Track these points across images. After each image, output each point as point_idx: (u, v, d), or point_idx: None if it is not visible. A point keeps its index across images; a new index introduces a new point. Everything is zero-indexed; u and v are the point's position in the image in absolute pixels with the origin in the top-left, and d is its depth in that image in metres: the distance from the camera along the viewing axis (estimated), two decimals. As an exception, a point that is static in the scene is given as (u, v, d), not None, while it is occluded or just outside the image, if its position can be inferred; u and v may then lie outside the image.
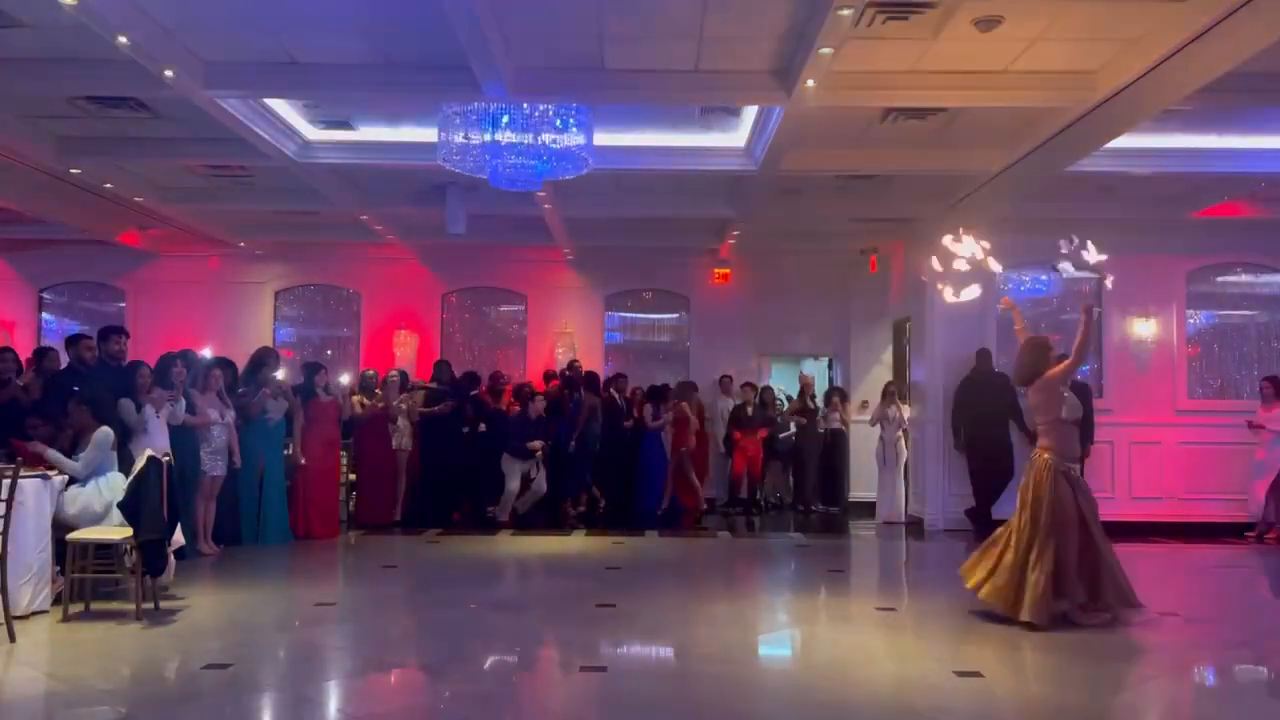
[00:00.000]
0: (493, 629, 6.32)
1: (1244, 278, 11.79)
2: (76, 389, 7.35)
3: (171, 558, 6.70)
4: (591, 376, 12.23)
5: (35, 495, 6.12)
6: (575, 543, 9.89)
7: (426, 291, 14.15)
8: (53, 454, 6.57)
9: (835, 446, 12.81)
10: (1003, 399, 10.77)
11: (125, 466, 6.79)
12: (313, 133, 9.17)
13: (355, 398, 10.70)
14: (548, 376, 12.75)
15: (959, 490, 10.89)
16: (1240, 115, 8.31)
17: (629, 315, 14.49)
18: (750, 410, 12.57)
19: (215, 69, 7.28)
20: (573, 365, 12.73)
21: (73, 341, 8.45)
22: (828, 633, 6.17)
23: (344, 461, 10.77)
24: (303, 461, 9.72)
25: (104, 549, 6.45)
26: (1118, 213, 10.94)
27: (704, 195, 11.04)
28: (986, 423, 10.70)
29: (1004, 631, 6.14)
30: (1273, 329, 11.69)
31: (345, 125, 9.00)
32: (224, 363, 9.46)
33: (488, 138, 7.73)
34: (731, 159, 9.38)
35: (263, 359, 9.66)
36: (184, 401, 8.30)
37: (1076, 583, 6.22)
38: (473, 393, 11.58)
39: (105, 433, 6.74)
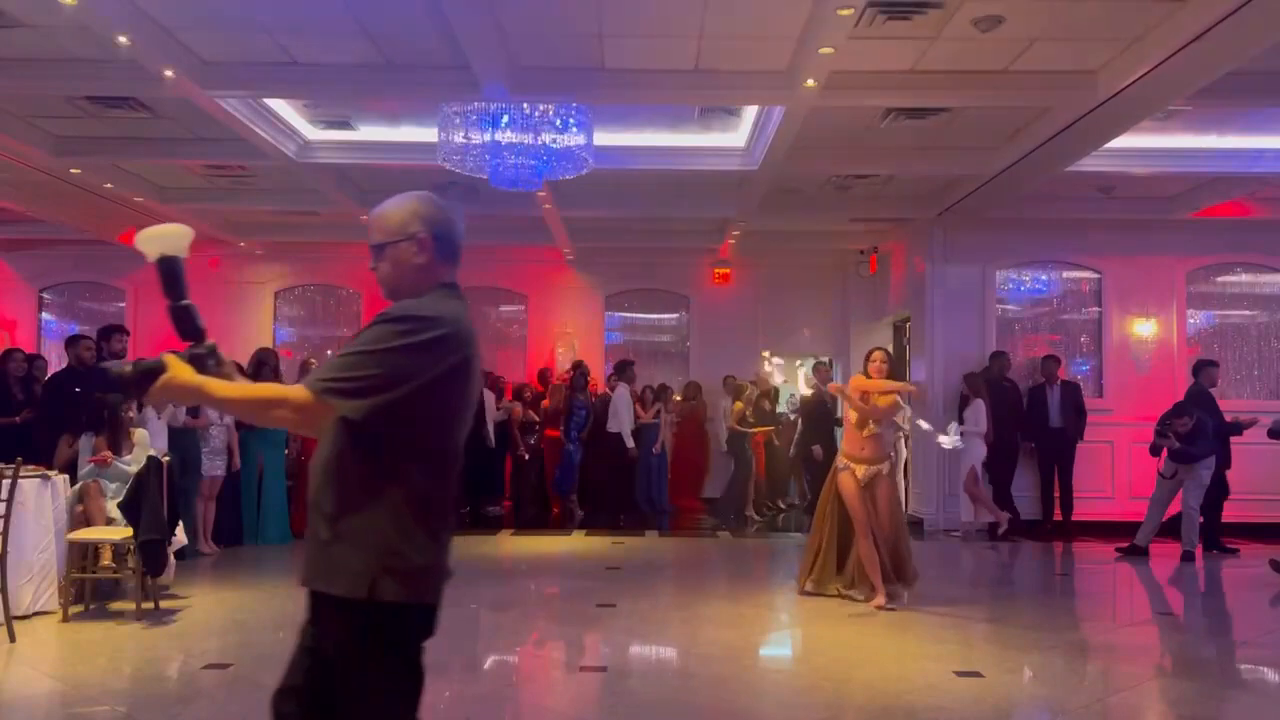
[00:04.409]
0: (493, 629, 6.32)
1: (1244, 278, 11.79)
2: (79, 390, 7.40)
3: (171, 558, 6.71)
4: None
5: (35, 495, 6.12)
6: (575, 543, 9.89)
7: (426, 291, 14.11)
8: (117, 461, 6.77)
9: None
10: (1005, 402, 10.75)
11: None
12: (313, 133, 9.17)
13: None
14: (544, 376, 12.77)
15: (959, 490, 10.89)
16: (1240, 115, 8.31)
17: (629, 315, 14.49)
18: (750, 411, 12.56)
19: (215, 69, 7.27)
20: (578, 366, 12.69)
21: (72, 342, 8.49)
22: (828, 632, 6.17)
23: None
24: (303, 458, 9.74)
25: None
26: (1118, 213, 10.95)
27: (704, 195, 11.03)
28: (992, 424, 10.70)
29: (1004, 631, 6.14)
30: (1273, 329, 11.69)
31: (345, 125, 8.99)
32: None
33: (488, 138, 7.74)
34: (731, 159, 9.37)
35: (262, 359, 9.67)
36: (185, 403, 8.33)
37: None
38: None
39: (144, 433, 7.00)
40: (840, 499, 6.89)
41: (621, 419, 11.62)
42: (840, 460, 6.98)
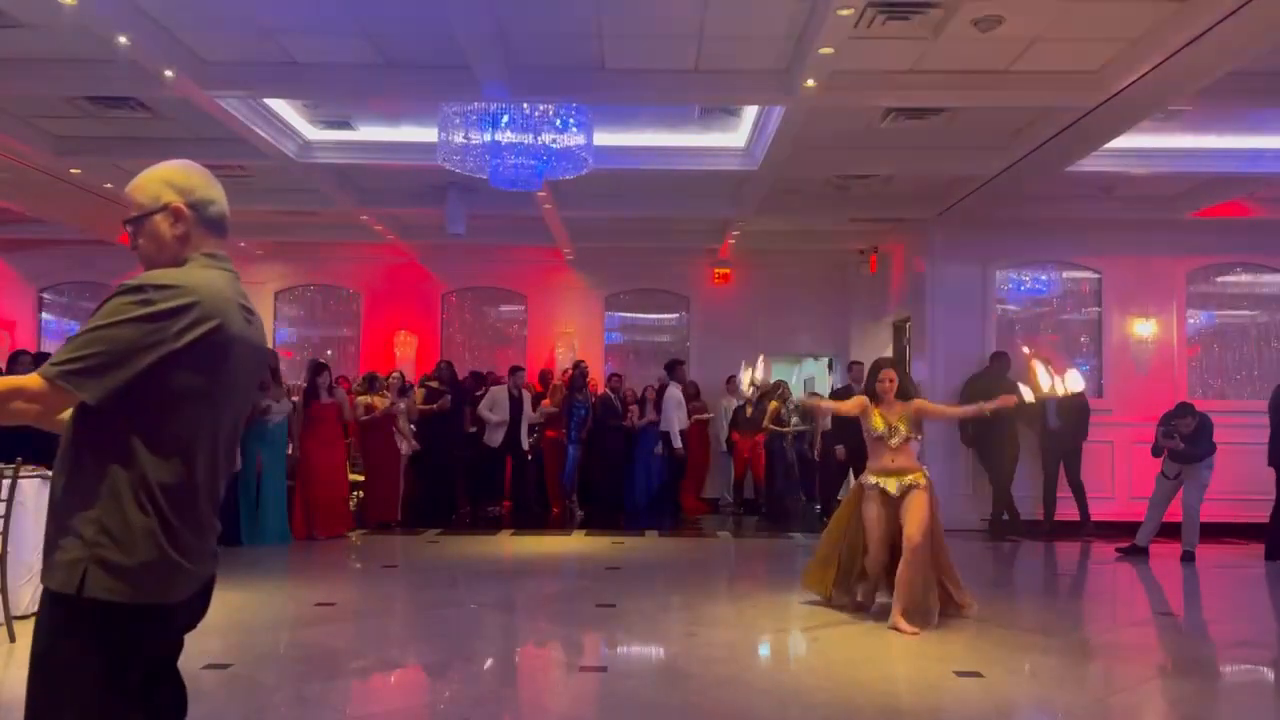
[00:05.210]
0: (493, 629, 6.32)
1: (1244, 278, 11.79)
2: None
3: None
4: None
5: (35, 495, 6.12)
6: (575, 543, 9.89)
7: (426, 291, 14.15)
8: None
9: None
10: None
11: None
12: (313, 133, 9.17)
13: (363, 398, 10.67)
14: (544, 376, 12.76)
15: (960, 490, 10.89)
16: (1240, 115, 8.31)
17: (629, 315, 14.49)
18: (750, 411, 12.56)
19: (215, 69, 7.28)
20: (578, 366, 12.69)
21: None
22: (828, 633, 6.16)
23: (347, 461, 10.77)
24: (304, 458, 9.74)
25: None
26: (1118, 213, 10.95)
27: (704, 195, 11.04)
28: (988, 425, 10.68)
29: (1004, 631, 6.14)
30: (1273, 329, 11.69)
31: (345, 125, 9.00)
32: None
33: (488, 138, 7.74)
34: (731, 159, 9.38)
35: (262, 360, 9.67)
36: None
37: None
38: (478, 393, 11.64)
39: None
40: (859, 520, 6.38)
41: (671, 419, 11.65)
42: (867, 477, 6.31)
